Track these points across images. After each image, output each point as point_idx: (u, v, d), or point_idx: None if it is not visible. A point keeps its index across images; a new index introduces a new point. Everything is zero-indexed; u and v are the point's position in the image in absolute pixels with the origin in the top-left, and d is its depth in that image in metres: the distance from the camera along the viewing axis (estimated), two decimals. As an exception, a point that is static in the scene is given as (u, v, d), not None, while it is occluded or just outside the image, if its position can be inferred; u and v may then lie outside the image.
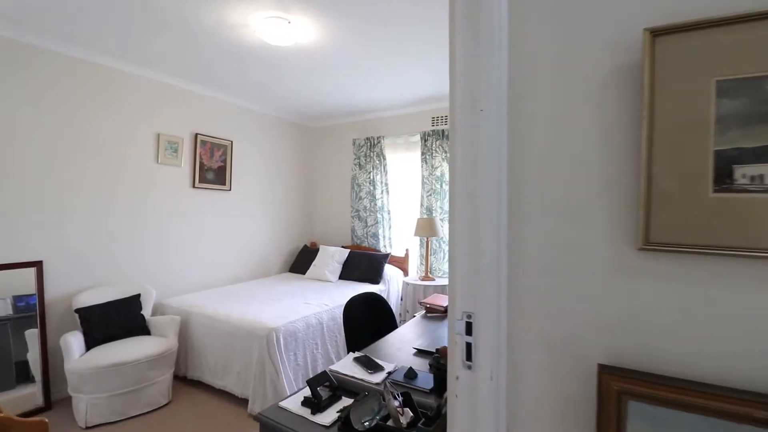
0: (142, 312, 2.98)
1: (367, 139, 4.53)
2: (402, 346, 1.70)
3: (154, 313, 3.19)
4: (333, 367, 1.44)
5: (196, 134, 3.67)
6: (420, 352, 1.61)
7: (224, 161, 3.96)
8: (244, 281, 4.11)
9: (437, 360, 1.26)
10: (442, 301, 2.25)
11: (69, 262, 2.82)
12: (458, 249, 0.69)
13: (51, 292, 2.73)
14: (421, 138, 4.12)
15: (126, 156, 3.15)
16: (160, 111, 3.38)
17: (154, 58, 2.98)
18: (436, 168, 4.02)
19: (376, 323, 2.15)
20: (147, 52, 2.87)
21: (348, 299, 2.08)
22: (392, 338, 1.80)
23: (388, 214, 4.44)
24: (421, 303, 2.24)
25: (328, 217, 5.07)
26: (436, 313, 2.15)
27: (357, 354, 1.55)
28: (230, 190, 4.04)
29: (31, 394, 2.60)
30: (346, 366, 1.46)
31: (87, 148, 2.91)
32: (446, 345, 1.37)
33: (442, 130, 3.99)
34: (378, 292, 3.80)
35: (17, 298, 2.67)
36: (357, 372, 1.40)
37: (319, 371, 2.96)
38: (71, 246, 2.83)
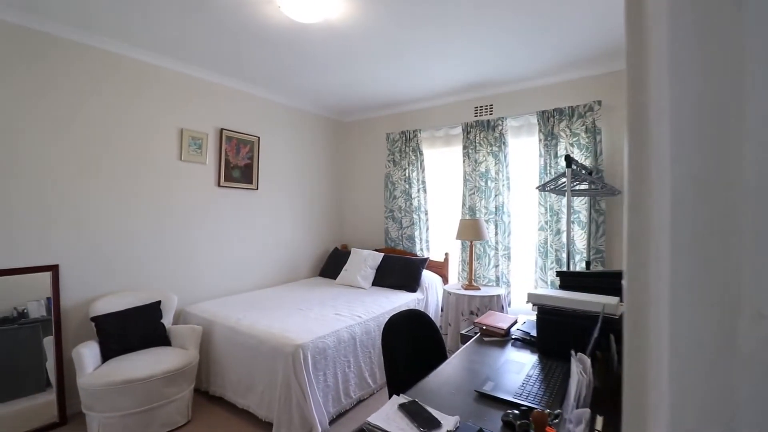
0: (162, 320, 2.76)
1: (402, 133, 4.17)
2: (458, 385, 1.32)
3: (175, 321, 2.98)
4: (373, 420, 1.09)
5: (222, 129, 3.45)
6: (484, 397, 1.22)
7: (251, 158, 3.72)
8: (272, 286, 3.86)
9: (525, 428, 0.87)
10: (500, 321, 1.85)
11: (87, 266, 2.64)
12: (673, 302, 0.31)
13: (68, 298, 2.55)
14: (463, 130, 3.71)
15: (147, 153, 2.95)
16: (183, 104, 3.16)
17: (173, 45, 2.75)
18: (480, 163, 3.59)
19: (420, 349, 1.79)
20: (165, 38, 2.64)
21: (387, 320, 1.72)
22: (444, 373, 1.43)
23: (425, 214, 4.06)
24: (475, 323, 1.85)
25: (360, 218, 4.74)
26: (494, 337, 1.76)
27: (402, 399, 1.19)
28: (257, 189, 3.79)
29: (51, 403, 2.43)
30: (390, 418, 1.10)
31: (105, 145, 2.72)
32: (541, 408, 0.99)
33: (488, 121, 3.56)
34: (415, 301, 3.46)
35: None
36: (405, 429, 1.04)
37: (351, 393, 2.65)
38: (89, 249, 2.65)
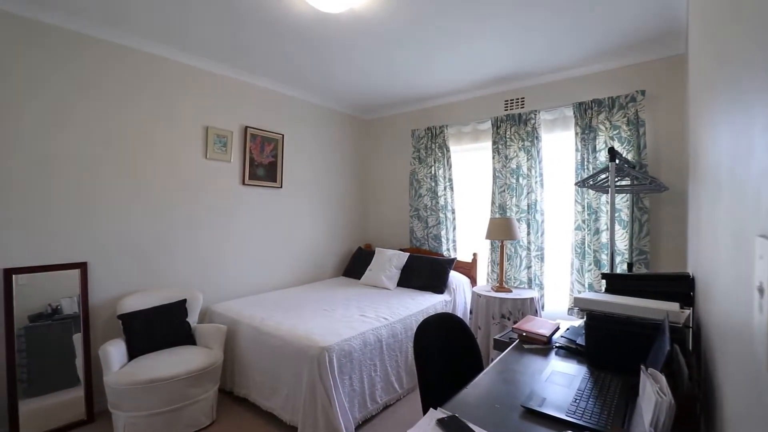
0: (187, 319, 2.74)
1: (427, 129, 4.04)
2: (501, 398, 1.20)
3: (201, 320, 2.96)
4: (409, 438, 0.98)
5: (246, 127, 3.42)
6: (531, 414, 1.09)
7: (275, 156, 3.68)
8: (296, 286, 3.81)
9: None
10: (541, 327, 1.70)
11: (114, 263, 2.65)
12: None
13: (97, 296, 2.56)
14: (492, 125, 3.55)
15: (173, 151, 2.94)
16: (208, 102, 3.15)
17: (197, 41, 2.72)
18: (511, 159, 3.42)
19: (455, 357, 1.66)
20: (189, 34, 2.61)
21: (419, 325, 1.61)
22: (483, 384, 1.30)
23: (452, 213, 3.92)
24: (513, 329, 1.72)
25: (385, 217, 4.64)
26: (535, 345, 1.62)
27: (441, 413, 1.08)
28: (281, 187, 3.75)
29: (80, 399, 2.44)
30: (428, 435, 0.99)
31: (134, 143, 2.72)
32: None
33: (519, 114, 3.38)
34: (443, 303, 3.33)
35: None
36: (446, 450, 0.93)
37: (377, 398, 2.55)
38: (116, 247, 2.66)
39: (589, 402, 1.14)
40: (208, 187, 3.17)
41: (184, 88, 2.99)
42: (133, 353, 2.40)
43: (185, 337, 2.65)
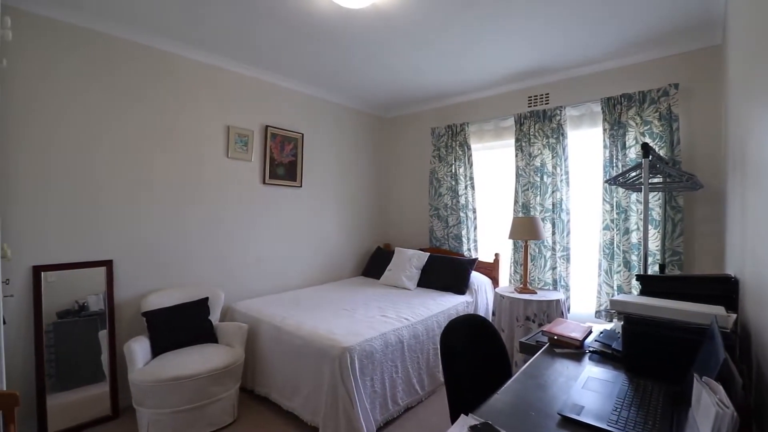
0: (209, 317, 2.75)
1: (448, 127, 3.98)
2: (535, 405, 1.14)
3: (222, 318, 2.98)
4: (441, 445, 0.93)
5: (267, 126, 3.43)
6: (569, 423, 1.03)
7: (295, 155, 3.68)
8: (315, 285, 3.81)
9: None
10: (573, 330, 1.63)
11: (138, 261, 2.68)
12: None
13: (121, 293, 2.60)
14: (515, 122, 3.46)
15: (197, 150, 2.97)
16: (230, 102, 3.17)
17: (218, 40, 2.74)
18: (535, 157, 3.33)
19: (482, 359, 1.61)
20: (212, 35, 2.63)
21: (445, 326, 1.56)
22: (514, 390, 1.24)
23: (473, 212, 3.84)
24: (544, 332, 1.65)
25: (404, 217, 4.59)
26: (567, 349, 1.55)
27: (473, 420, 1.03)
28: (301, 186, 3.75)
29: (105, 395, 2.48)
30: (461, 443, 0.94)
31: (158, 144, 2.76)
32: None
33: (543, 111, 3.29)
34: (464, 304, 3.26)
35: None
36: (481, 459, 0.88)
37: (399, 400, 2.50)
38: (140, 245, 2.69)
39: (631, 411, 1.07)
40: (229, 186, 3.19)
41: (206, 88, 3.01)
42: (156, 350, 2.43)
43: (207, 335, 2.66)
